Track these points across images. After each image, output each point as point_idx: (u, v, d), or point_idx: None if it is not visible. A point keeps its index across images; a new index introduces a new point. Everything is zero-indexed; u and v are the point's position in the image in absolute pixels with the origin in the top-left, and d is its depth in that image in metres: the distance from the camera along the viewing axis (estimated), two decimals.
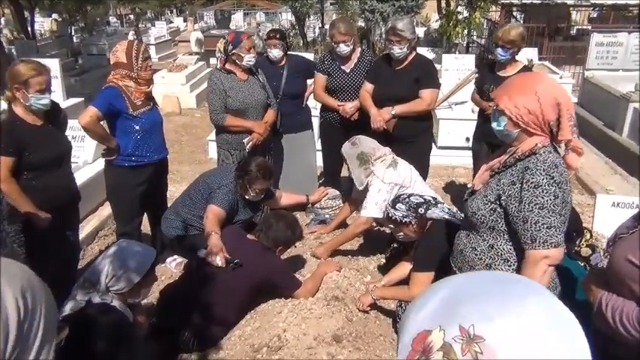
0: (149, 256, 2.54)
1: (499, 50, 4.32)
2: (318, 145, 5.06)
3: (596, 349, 1.78)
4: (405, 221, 3.06)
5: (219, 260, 3.06)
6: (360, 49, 4.68)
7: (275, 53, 4.63)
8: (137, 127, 3.64)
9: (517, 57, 4.45)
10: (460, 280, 0.75)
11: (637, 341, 1.60)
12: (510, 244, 2.01)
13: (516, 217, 1.90)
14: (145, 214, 4.14)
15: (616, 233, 1.80)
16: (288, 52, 4.86)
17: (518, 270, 1.97)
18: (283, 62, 4.71)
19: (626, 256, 1.63)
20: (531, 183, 1.86)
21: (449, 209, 3.23)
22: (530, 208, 1.86)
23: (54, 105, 3.35)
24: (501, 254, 2.04)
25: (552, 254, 1.87)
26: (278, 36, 4.67)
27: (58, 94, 6.63)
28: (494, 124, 2.00)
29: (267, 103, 4.36)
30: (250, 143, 4.20)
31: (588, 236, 2.98)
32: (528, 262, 1.91)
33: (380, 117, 4.16)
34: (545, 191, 1.84)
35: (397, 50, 4.10)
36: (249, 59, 4.18)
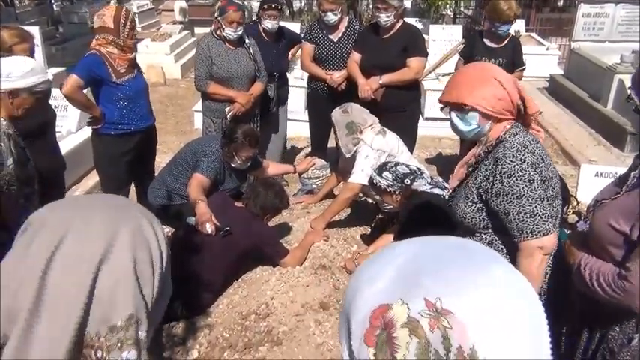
0: None
1: (505, 27, 4.29)
2: (297, 116, 5.08)
3: (578, 310, 1.83)
4: (390, 190, 3.07)
5: (209, 228, 3.07)
6: (347, 18, 4.64)
7: (271, 25, 4.53)
8: (121, 95, 3.61)
9: None
10: (415, 247, 0.69)
11: (613, 301, 1.64)
12: (508, 237, 1.91)
13: (498, 211, 1.84)
14: (133, 185, 4.12)
15: (596, 199, 1.82)
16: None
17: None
18: (276, 38, 4.64)
19: (608, 222, 1.65)
20: (504, 174, 1.79)
21: (432, 179, 3.25)
22: (509, 199, 1.79)
23: None
24: (502, 249, 1.95)
25: (544, 243, 1.81)
26: (278, 7, 4.56)
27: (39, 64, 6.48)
28: (461, 126, 1.89)
29: (256, 74, 4.31)
30: (231, 113, 4.18)
31: (575, 203, 3.03)
32: (522, 255, 1.84)
33: (368, 86, 4.15)
34: (519, 178, 1.77)
35: (384, 18, 4.08)
36: (228, 32, 4.11)
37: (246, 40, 4.27)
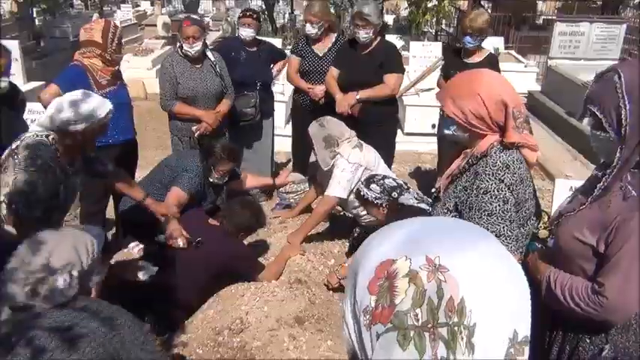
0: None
1: (467, 39, 4.33)
2: (279, 131, 5.07)
3: (549, 324, 1.83)
4: (377, 203, 3.09)
5: (180, 242, 3.05)
6: (335, 34, 4.68)
7: (247, 33, 4.54)
8: None
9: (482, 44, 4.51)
10: (420, 221, 0.82)
11: (589, 316, 1.63)
12: None
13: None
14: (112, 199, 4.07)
15: (559, 212, 1.83)
16: (257, 37, 4.79)
17: None
18: (257, 48, 4.65)
19: (573, 234, 1.66)
20: (480, 189, 1.80)
21: (418, 194, 3.27)
22: (479, 215, 1.80)
23: (12, 86, 3.28)
24: None
25: None
26: (253, 15, 4.60)
27: (18, 78, 6.43)
28: (445, 124, 1.97)
29: (222, 92, 4.29)
30: (198, 132, 4.16)
31: (546, 219, 3.06)
32: None
33: (345, 102, 4.18)
34: (493, 197, 1.79)
35: (363, 35, 4.12)
36: (186, 49, 4.04)
37: (212, 57, 4.22)
